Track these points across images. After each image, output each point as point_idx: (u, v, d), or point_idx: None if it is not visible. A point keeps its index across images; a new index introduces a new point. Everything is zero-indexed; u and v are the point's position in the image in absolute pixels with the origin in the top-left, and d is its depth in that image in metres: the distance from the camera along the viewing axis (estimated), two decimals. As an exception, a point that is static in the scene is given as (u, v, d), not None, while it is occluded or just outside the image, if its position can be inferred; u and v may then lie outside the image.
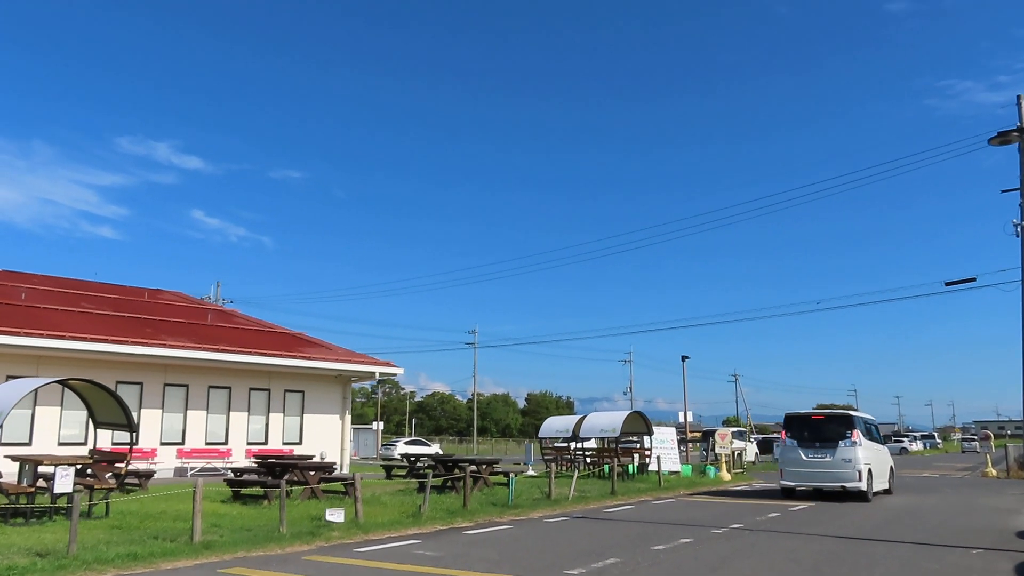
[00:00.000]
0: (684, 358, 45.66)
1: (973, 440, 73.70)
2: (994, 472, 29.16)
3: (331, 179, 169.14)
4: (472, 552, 9.69)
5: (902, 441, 74.13)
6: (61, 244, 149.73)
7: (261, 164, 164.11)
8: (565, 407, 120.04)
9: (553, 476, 16.98)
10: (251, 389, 25.70)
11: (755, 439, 53.37)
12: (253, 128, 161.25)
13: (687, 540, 10.92)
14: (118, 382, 22.61)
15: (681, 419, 45.85)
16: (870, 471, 18.31)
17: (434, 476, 18.14)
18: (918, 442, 78.18)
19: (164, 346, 22.26)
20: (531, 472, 26.75)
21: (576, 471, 19.09)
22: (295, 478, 14.78)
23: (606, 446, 26.76)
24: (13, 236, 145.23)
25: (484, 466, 17.99)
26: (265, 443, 25.77)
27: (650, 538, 11.13)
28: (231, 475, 18.96)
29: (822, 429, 18.96)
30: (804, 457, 18.65)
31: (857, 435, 18.56)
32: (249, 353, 24.42)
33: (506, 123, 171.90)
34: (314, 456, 26.89)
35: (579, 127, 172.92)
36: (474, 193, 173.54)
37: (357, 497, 11.69)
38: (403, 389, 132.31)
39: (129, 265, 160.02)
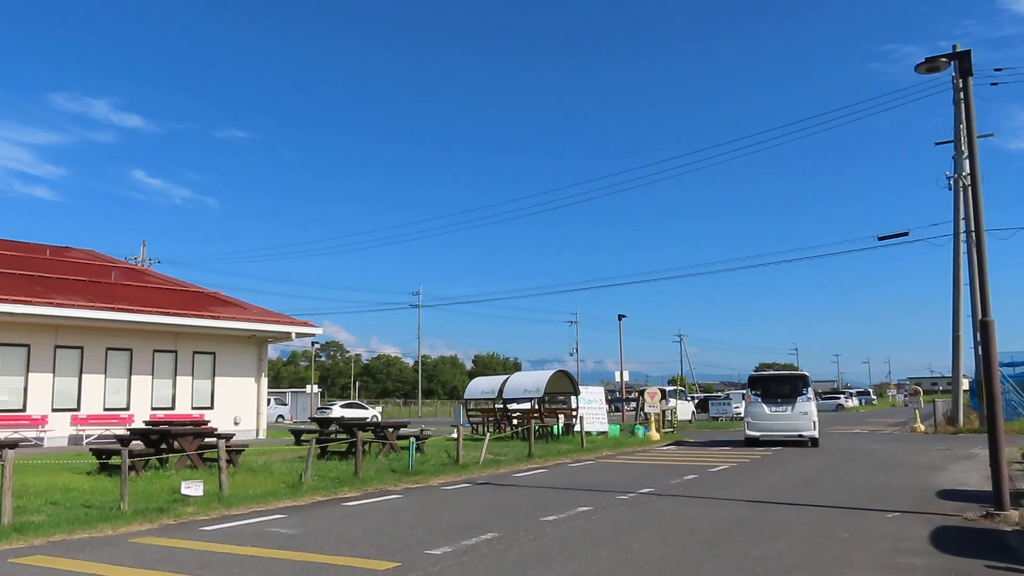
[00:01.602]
0: (620, 316, 45.34)
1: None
2: (923, 428, 29.20)
3: (278, 139, 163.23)
4: (335, 528, 8.57)
5: (838, 398, 75.43)
6: None
7: (205, 123, 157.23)
8: (512, 368, 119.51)
9: (461, 440, 15.96)
10: (155, 351, 24.08)
11: (695, 398, 53.49)
12: (196, 85, 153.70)
13: (585, 508, 9.98)
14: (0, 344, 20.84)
15: (618, 378, 45.51)
16: (815, 422, 21.29)
17: (328, 442, 17.02)
18: (854, 398, 79.60)
19: (52, 305, 20.48)
20: (454, 435, 25.71)
21: (488, 433, 18.10)
22: (178, 446, 13.43)
23: (535, 407, 25.92)
24: None
25: (391, 429, 16.85)
26: (172, 408, 24.26)
27: (546, 507, 10.17)
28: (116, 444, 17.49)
29: (783, 387, 21.84)
30: (768, 411, 21.54)
31: (811, 392, 22.02)
32: (151, 312, 22.77)
33: (463, 80, 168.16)
34: (236, 423, 25.57)
35: (528, 84, 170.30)
36: (428, 152, 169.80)
37: (221, 467, 10.45)
38: (348, 352, 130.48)
39: (67, 227, 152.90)
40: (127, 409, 23.02)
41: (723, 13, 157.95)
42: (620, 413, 46.33)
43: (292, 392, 65.13)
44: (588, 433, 25.89)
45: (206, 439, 13.89)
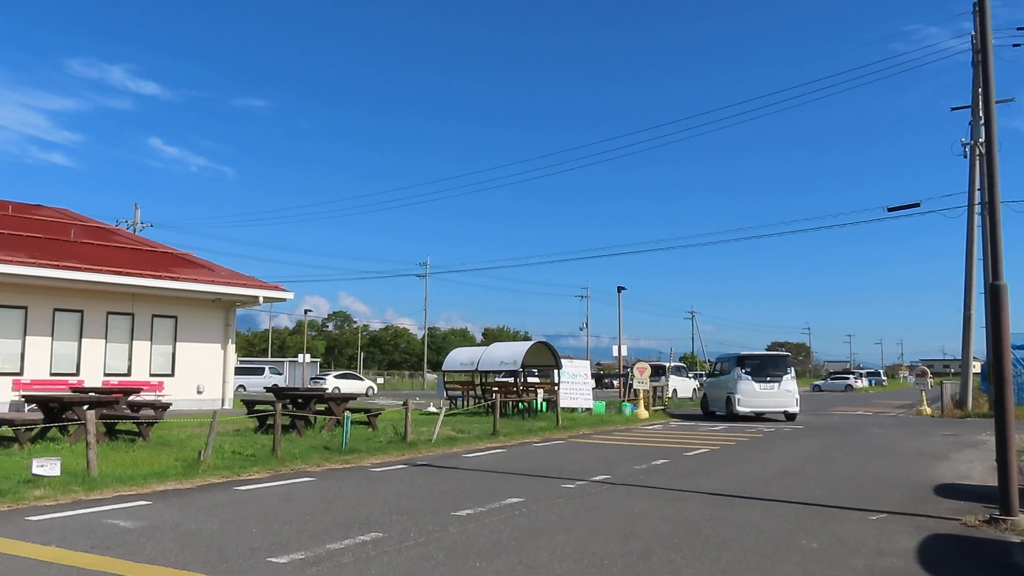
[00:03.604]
0: (620, 288, 43.40)
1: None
2: (929, 411, 27.50)
3: (296, 108, 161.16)
4: (192, 521, 7.05)
5: (847, 379, 73.61)
6: (9, 170, 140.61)
7: (223, 92, 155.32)
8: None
9: (410, 415, 14.40)
10: (109, 313, 22.64)
11: (698, 375, 51.82)
12: (214, 54, 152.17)
13: (515, 500, 8.43)
14: (-68, 302, 19.43)
15: (616, 353, 43.85)
16: (796, 399, 23.13)
17: (267, 416, 15.51)
18: (863, 379, 77.71)
19: (-13, 261, 19.00)
20: (431, 408, 24.25)
21: (443, 409, 16.58)
22: (75, 416, 11.94)
23: (515, 380, 24.37)
24: None
25: (336, 403, 15.31)
26: (129, 375, 22.87)
27: (471, 497, 8.63)
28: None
29: (769, 366, 23.66)
30: (757, 388, 22.97)
31: (792, 372, 23.90)
32: (101, 271, 21.25)
33: (486, 55, 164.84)
34: (199, 391, 24.22)
35: (546, 58, 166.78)
36: (447, 126, 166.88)
37: (89, 443, 8.93)
38: (355, 322, 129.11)
39: (84, 192, 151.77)
40: (76, 375, 21.62)
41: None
42: (617, 390, 44.81)
43: (289, 362, 63.99)
44: (573, 410, 24.42)
45: (114, 408, 12.38)
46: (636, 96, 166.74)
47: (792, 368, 23.87)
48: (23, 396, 14.44)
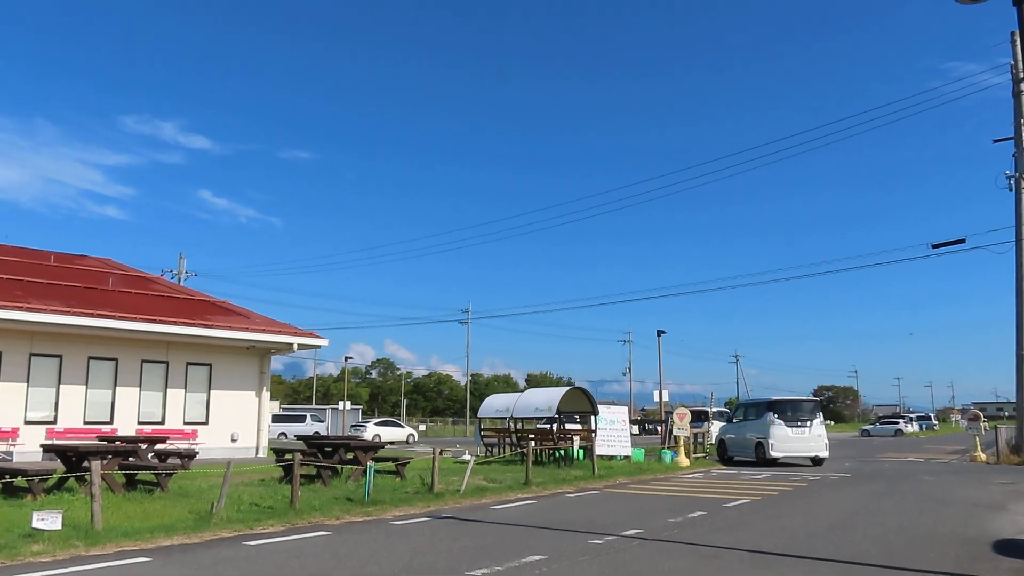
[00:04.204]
0: (660, 332, 42.72)
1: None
2: (983, 456, 26.10)
3: (340, 160, 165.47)
4: (190, 582, 6.69)
5: (897, 423, 70.96)
6: (66, 224, 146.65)
7: (270, 144, 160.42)
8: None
9: (437, 464, 13.92)
10: (144, 361, 22.72)
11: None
12: (261, 108, 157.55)
13: (536, 559, 7.91)
14: (-32, 351, 19.66)
15: (656, 398, 42.91)
16: (826, 444, 23.46)
17: (301, 463, 15.17)
18: (914, 423, 74.89)
19: (21, 309, 19.22)
20: (466, 456, 23.70)
21: (472, 458, 16.09)
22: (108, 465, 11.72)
23: (551, 427, 23.77)
24: (17, 215, 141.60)
25: (362, 451, 14.92)
26: (162, 423, 22.84)
27: (490, 554, 8.14)
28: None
29: (800, 411, 23.82)
30: (790, 434, 23.17)
31: (821, 416, 24.20)
32: (135, 319, 21.37)
33: (524, 106, 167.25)
34: (233, 440, 24.06)
35: (583, 107, 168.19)
36: (495, 174, 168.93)
37: (94, 495, 8.66)
38: (399, 369, 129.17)
39: (135, 244, 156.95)
40: (110, 423, 21.66)
41: (784, 29, 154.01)
42: (659, 436, 43.71)
43: (331, 409, 64.01)
44: (612, 457, 23.70)
45: (130, 458, 12.17)
46: (677, 137, 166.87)
47: (820, 413, 24.30)
48: (42, 445, 14.34)
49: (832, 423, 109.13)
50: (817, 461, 23.07)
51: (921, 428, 75.41)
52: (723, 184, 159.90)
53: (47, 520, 8.18)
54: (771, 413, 23.37)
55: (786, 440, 22.90)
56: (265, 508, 10.91)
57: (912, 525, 10.72)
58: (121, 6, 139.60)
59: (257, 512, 10.58)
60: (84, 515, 9.25)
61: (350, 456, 15.22)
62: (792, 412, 23.46)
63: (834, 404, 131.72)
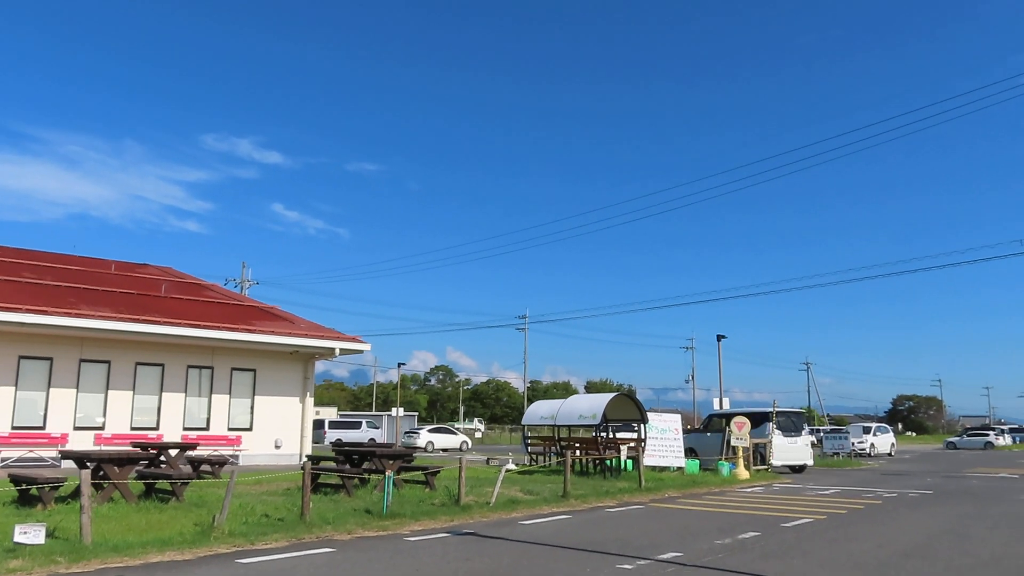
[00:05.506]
0: (720, 337, 41.08)
1: None
2: (1086, 474, 23.78)
3: (406, 171, 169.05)
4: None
5: (987, 435, 66.68)
6: (150, 238, 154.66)
7: (338, 157, 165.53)
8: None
9: (463, 474, 13.02)
10: (190, 367, 22.59)
11: (815, 431, 47.84)
12: (329, 122, 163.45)
13: (548, 586, 6.94)
14: (21, 357, 19.78)
15: (716, 406, 41.10)
16: (811, 452, 26.45)
17: (328, 472, 14.51)
18: (1006, 436, 70.24)
19: (71, 315, 19.20)
20: (510, 465, 22.78)
21: (503, 468, 15.17)
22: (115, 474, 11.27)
23: (597, 435, 22.60)
24: (107, 231, 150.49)
25: (387, 460, 14.12)
26: (207, 429, 22.65)
27: (498, 579, 7.20)
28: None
29: (792, 422, 26.21)
30: (787, 443, 25.26)
31: (806, 427, 27.45)
32: (179, 324, 21.20)
33: (591, 113, 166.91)
34: (277, 446, 23.74)
35: (631, 113, 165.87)
36: (553, 184, 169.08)
37: (83, 506, 8.06)
38: (457, 376, 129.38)
39: (212, 256, 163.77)
40: (156, 429, 21.53)
41: (868, 29, 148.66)
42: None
43: (387, 416, 64.09)
44: (663, 469, 22.43)
45: (162, 465, 11.66)
46: (744, 136, 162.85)
47: (806, 424, 27.46)
48: (59, 451, 14.05)
49: (913, 434, 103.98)
50: (797, 469, 25.16)
51: (1015, 441, 70.72)
52: (792, 183, 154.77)
53: (30, 534, 7.62)
54: (770, 424, 25.31)
55: (784, 449, 25.09)
56: (275, 521, 10.21)
57: (1006, 555, 9.29)
58: (197, 31, 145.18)
59: (265, 525, 9.88)
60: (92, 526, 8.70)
61: (371, 465, 14.47)
62: (787, 423, 25.80)
63: (916, 415, 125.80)
